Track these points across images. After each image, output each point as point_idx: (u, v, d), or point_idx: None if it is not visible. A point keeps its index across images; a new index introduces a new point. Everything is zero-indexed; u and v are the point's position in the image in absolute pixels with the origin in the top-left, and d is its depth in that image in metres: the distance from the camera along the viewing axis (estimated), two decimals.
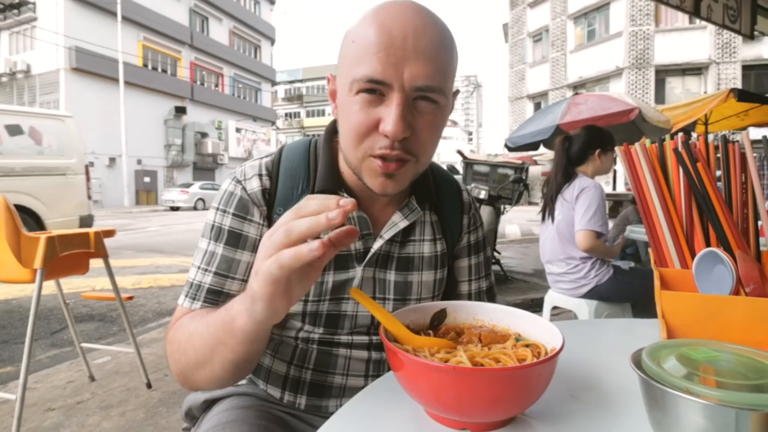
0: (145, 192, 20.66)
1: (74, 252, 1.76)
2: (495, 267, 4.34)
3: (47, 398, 1.94)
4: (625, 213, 3.95)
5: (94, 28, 18.03)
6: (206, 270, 0.63)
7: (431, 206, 0.74)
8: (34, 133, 4.29)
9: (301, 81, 45.57)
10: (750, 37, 4.23)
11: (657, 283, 0.59)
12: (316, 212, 0.39)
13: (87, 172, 4.60)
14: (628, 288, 2.02)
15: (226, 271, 0.63)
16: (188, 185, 18.48)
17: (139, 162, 20.23)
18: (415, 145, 0.57)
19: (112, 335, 2.84)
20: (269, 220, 0.66)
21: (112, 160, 18.98)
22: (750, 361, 0.39)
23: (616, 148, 0.72)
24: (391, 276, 0.69)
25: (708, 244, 0.63)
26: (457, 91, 0.66)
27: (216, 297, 0.63)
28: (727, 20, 3.96)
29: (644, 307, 2.03)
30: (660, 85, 17.01)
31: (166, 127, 21.61)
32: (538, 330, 0.50)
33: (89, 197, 4.63)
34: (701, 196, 0.61)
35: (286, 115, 45.07)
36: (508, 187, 4.23)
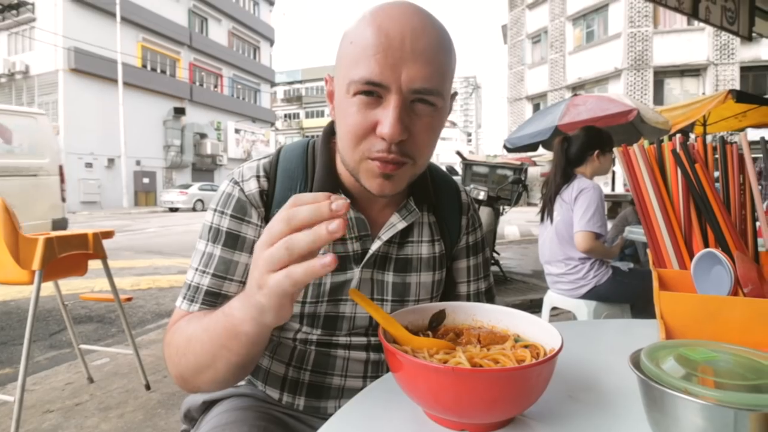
0: (144, 193, 20.64)
1: (73, 253, 1.76)
2: (494, 268, 4.34)
3: (46, 400, 1.93)
4: (624, 214, 3.96)
5: (92, 29, 18.02)
6: (204, 272, 0.63)
7: (429, 207, 0.74)
8: (3, 131, 4.01)
9: (300, 82, 45.60)
10: (748, 38, 4.24)
11: (656, 283, 0.59)
12: (309, 220, 0.38)
13: (61, 173, 4.30)
14: (627, 289, 2.03)
15: (224, 272, 0.63)
16: (187, 186, 18.46)
17: (138, 163, 20.21)
18: (413, 148, 0.56)
19: (111, 336, 2.84)
20: (267, 222, 0.66)
21: (111, 161, 18.96)
22: (748, 361, 0.39)
23: (615, 149, 0.72)
24: (389, 277, 0.69)
25: (706, 245, 0.63)
26: (455, 93, 0.66)
27: (214, 299, 0.63)
28: (725, 22, 3.97)
29: (643, 308, 2.03)
30: (658, 86, 17.06)
31: (165, 128, 21.59)
32: (537, 331, 0.51)
33: (63, 199, 4.33)
34: (699, 197, 0.62)
35: (285, 116, 45.07)
36: (507, 188, 4.24)
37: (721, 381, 0.36)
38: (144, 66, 20.73)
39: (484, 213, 3.84)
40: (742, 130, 6.44)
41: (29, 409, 1.84)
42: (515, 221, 12.17)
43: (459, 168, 4.85)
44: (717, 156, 0.65)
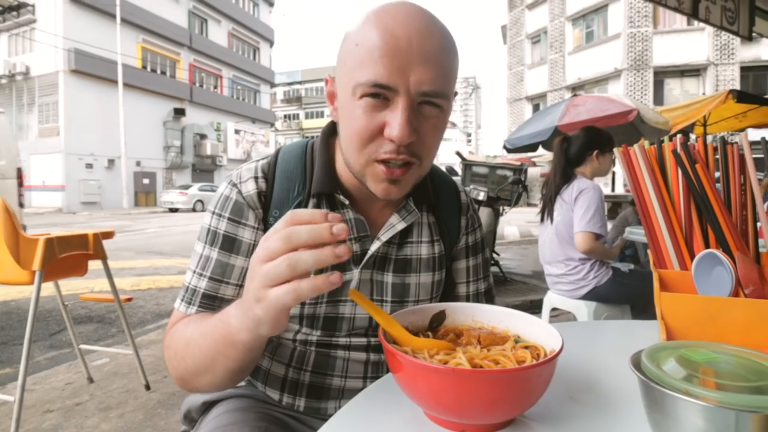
0: (144, 193, 20.64)
1: (73, 254, 1.76)
2: (494, 268, 4.34)
3: (46, 400, 1.93)
4: (624, 214, 3.95)
5: (93, 30, 18.02)
6: (201, 274, 0.64)
7: (429, 208, 0.74)
8: None
9: (299, 83, 45.61)
10: (748, 38, 4.24)
11: (656, 284, 0.59)
12: (309, 242, 0.39)
13: (20, 176, 3.99)
14: (627, 290, 2.02)
15: (220, 276, 0.63)
16: (187, 187, 18.45)
17: (138, 164, 20.21)
18: (420, 148, 0.57)
19: (111, 337, 2.84)
20: (265, 223, 0.66)
21: (111, 161, 18.97)
22: (750, 362, 0.39)
23: (615, 150, 0.72)
24: (389, 278, 0.69)
25: (707, 246, 0.63)
26: (455, 93, 0.66)
27: (211, 302, 0.63)
28: (726, 22, 3.97)
29: (643, 309, 2.03)
30: (658, 86, 17.06)
31: (165, 128, 21.59)
32: (538, 332, 0.50)
33: (21, 204, 4.02)
34: (700, 197, 0.61)
35: (285, 116, 45.08)
36: (507, 188, 4.24)
37: (723, 382, 0.36)
38: (144, 67, 20.73)
39: (484, 213, 3.84)
40: (743, 130, 6.44)
41: (29, 408, 1.84)
42: (515, 222, 12.17)
43: (459, 168, 4.84)
44: (718, 156, 0.65)
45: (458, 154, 4.90)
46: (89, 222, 12.06)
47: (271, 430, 0.63)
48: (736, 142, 0.64)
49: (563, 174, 2.08)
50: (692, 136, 6.38)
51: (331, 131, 0.70)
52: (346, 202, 0.66)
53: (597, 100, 4.52)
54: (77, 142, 17.80)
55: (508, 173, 4.33)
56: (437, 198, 0.75)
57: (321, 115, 43.03)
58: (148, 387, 2.03)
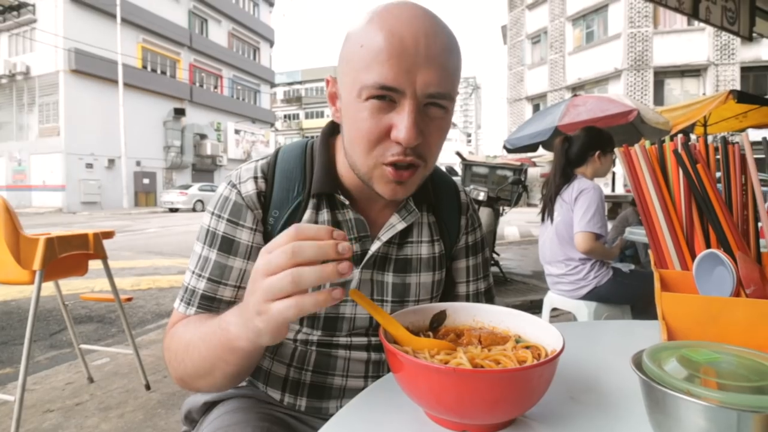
0: (144, 193, 20.64)
1: (73, 253, 1.76)
2: (494, 269, 4.33)
3: (46, 399, 1.93)
4: (624, 214, 3.95)
5: (93, 30, 18.02)
6: (200, 275, 0.64)
7: (429, 207, 0.74)
8: None
9: (300, 83, 45.61)
10: (749, 38, 4.24)
11: (657, 284, 0.59)
12: (314, 258, 0.39)
13: None
14: (627, 290, 2.02)
15: (218, 277, 0.64)
16: (187, 187, 18.46)
17: (138, 163, 20.21)
18: (425, 150, 0.57)
19: (111, 336, 2.84)
20: (264, 224, 0.66)
21: (111, 161, 18.97)
22: (751, 362, 0.39)
23: (616, 150, 0.72)
24: (389, 278, 0.69)
25: (708, 246, 0.63)
26: (457, 93, 0.66)
27: (209, 303, 0.63)
28: (726, 22, 3.97)
29: (643, 309, 2.03)
30: (659, 86, 17.06)
31: (165, 128, 21.59)
32: (538, 331, 0.50)
33: None
34: (701, 197, 0.61)
35: (285, 116, 45.08)
36: (507, 188, 4.23)
37: (724, 382, 0.36)
38: (144, 67, 20.74)
39: (484, 214, 3.84)
40: (743, 130, 6.44)
41: (29, 408, 1.84)
42: (515, 222, 12.17)
43: (459, 168, 4.84)
44: (718, 156, 0.65)
45: (458, 154, 4.90)
46: (89, 222, 12.06)
47: (273, 430, 0.63)
48: (737, 142, 0.64)
49: (563, 174, 2.08)
50: (693, 137, 6.38)
51: (331, 131, 0.70)
52: (346, 202, 0.66)
53: (597, 100, 4.52)
54: (77, 142, 17.80)
55: (508, 173, 4.33)
56: (437, 198, 0.75)
57: (321, 115, 43.03)
58: (148, 387, 2.03)
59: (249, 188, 0.65)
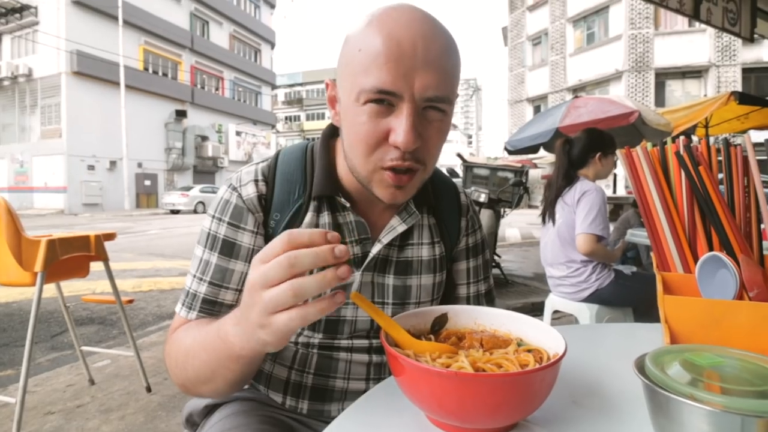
0: (146, 195, 20.68)
1: (75, 255, 1.76)
2: (495, 271, 4.33)
3: (47, 401, 1.93)
4: (626, 216, 3.95)
5: (95, 32, 18.07)
6: (201, 279, 0.64)
7: (429, 209, 0.74)
8: None
9: (301, 84, 45.68)
10: (750, 40, 4.24)
11: (660, 287, 0.58)
12: (312, 266, 0.38)
13: None
14: (629, 292, 2.02)
15: (220, 281, 0.63)
16: (188, 188, 18.50)
17: (139, 165, 20.25)
18: (424, 154, 0.57)
19: (112, 338, 2.84)
20: (266, 227, 0.66)
21: (113, 163, 19.01)
22: (755, 367, 0.39)
23: (617, 152, 0.72)
24: (390, 280, 0.69)
25: (711, 248, 0.62)
26: (456, 96, 0.66)
27: (211, 306, 0.63)
28: (727, 23, 3.96)
29: (646, 312, 2.02)
30: (660, 87, 17.05)
31: (166, 130, 21.64)
32: (540, 335, 0.50)
33: None
34: (704, 199, 0.61)
35: (286, 118, 45.13)
36: (508, 190, 4.23)
37: (728, 387, 0.35)
38: (146, 69, 20.79)
39: (485, 215, 3.83)
40: (745, 132, 6.43)
41: (30, 410, 1.84)
42: (516, 224, 12.16)
43: (460, 170, 4.84)
44: (720, 158, 0.65)
45: (459, 155, 4.90)
46: (91, 223, 12.08)
47: None
48: (740, 144, 0.64)
49: (565, 176, 2.08)
50: (694, 138, 6.37)
51: (331, 133, 0.70)
52: (347, 205, 0.66)
53: (598, 101, 4.52)
54: (79, 144, 17.85)
55: (509, 175, 4.32)
56: (437, 200, 0.75)
57: (322, 116, 43.08)
58: (149, 389, 2.03)
59: (250, 191, 0.65)
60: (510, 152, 5.27)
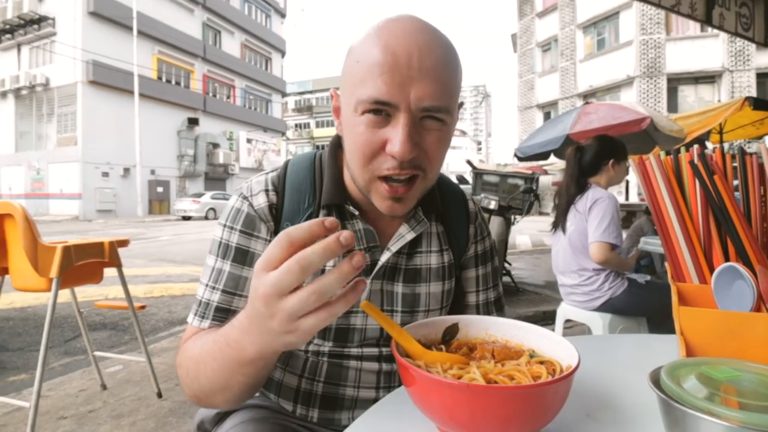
0: (158, 201, 20.96)
1: (89, 261, 1.79)
2: (506, 278, 4.29)
3: (60, 406, 1.95)
4: (639, 223, 3.90)
5: (110, 43, 18.47)
6: (214, 288, 0.64)
7: (437, 217, 0.74)
8: None
9: (311, 92, 46.11)
10: (764, 44, 4.18)
11: (675, 298, 0.58)
12: (324, 263, 0.37)
13: None
14: (643, 301, 1.98)
15: (233, 288, 0.63)
16: (200, 195, 18.73)
17: (152, 172, 20.56)
18: (424, 162, 0.57)
19: (124, 344, 2.87)
20: (276, 236, 0.66)
21: (127, 170, 19.32)
22: None
23: (630, 160, 0.71)
24: (399, 288, 0.69)
25: (727, 259, 0.61)
26: (461, 103, 0.66)
27: (224, 315, 0.63)
28: (740, 28, 3.92)
29: (660, 322, 1.98)
30: (672, 93, 16.86)
31: (179, 137, 21.97)
32: (553, 346, 0.50)
33: None
34: (719, 209, 0.60)
35: (296, 125, 45.53)
36: (519, 197, 4.21)
37: (746, 401, 0.35)
38: (159, 78, 21.17)
39: (496, 222, 3.81)
40: (761, 137, 6.33)
41: (44, 415, 1.86)
42: (527, 231, 12.06)
43: (469, 177, 4.83)
44: (735, 164, 0.64)
45: (469, 162, 4.89)
46: (104, 230, 12.26)
47: None
48: (755, 153, 0.63)
49: (577, 183, 2.06)
50: (709, 145, 6.29)
51: (339, 143, 0.71)
52: (356, 213, 0.66)
53: (609, 107, 4.48)
54: (94, 151, 18.19)
55: (520, 182, 4.30)
56: (445, 207, 0.75)
57: (332, 124, 42.74)
58: (160, 395, 2.04)
59: (261, 201, 0.66)
60: (520, 159, 5.24)
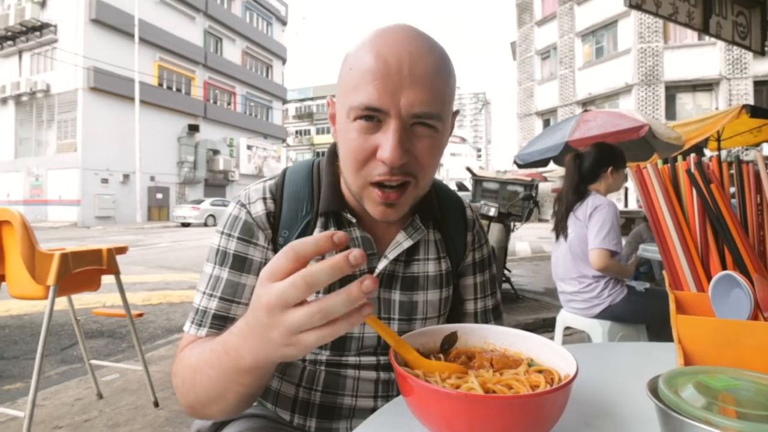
0: (158, 208, 20.96)
1: (87, 269, 1.78)
2: (505, 285, 4.28)
3: (55, 416, 1.93)
4: (638, 230, 3.90)
5: (111, 49, 18.58)
6: (212, 295, 0.63)
7: (435, 224, 0.74)
8: None
9: (311, 99, 46.29)
10: (761, 53, 4.21)
11: (672, 306, 0.57)
12: (331, 281, 0.37)
13: None
14: (642, 309, 1.98)
15: (231, 295, 0.63)
16: (199, 201, 18.74)
17: (152, 179, 20.58)
18: (415, 168, 0.57)
19: (121, 352, 2.85)
20: (274, 243, 0.66)
21: (126, 176, 19.34)
22: None
23: (628, 168, 0.72)
24: (396, 296, 0.69)
25: (724, 267, 0.61)
26: (456, 111, 0.66)
27: (222, 322, 0.63)
28: (737, 37, 3.96)
29: (659, 330, 1.98)
30: (670, 101, 16.96)
31: (179, 144, 22.03)
32: (551, 354, 0.49)
33: None
34: (716, 218, 0.60)
35: (296, 132, 45.67)
36: (518, 204, 4.21)
37: (743, 411, 0.35)
38: (160, 84, 21.27)
39: (495, 229, 3.81)
40: (758, 145, 6.36)
41: (39, 424, 1.84)
42: (526, 238, 12.06)
43: (469, 184, 4.84)
44: (732, 171, 0.64)
45: (468, 169, 4.91)
46: (103, 236, 12.24)
47: None
48: (752, 161, 0.63)
49: (576, 191, 2.06)
50: (707, 152, 6.31)
51: (336, 150, 0.71)
52: (353, 221, 0.66)
53: (608, 115, 4.50)
54: (94, 158, 18.22)
55: (519, 189, 4.31)
56: (443, 214, 0.75)
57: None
58: (156, 404, 2.02)
59: (258, 209, 0.66)
60: (519, 166, 5.26)
